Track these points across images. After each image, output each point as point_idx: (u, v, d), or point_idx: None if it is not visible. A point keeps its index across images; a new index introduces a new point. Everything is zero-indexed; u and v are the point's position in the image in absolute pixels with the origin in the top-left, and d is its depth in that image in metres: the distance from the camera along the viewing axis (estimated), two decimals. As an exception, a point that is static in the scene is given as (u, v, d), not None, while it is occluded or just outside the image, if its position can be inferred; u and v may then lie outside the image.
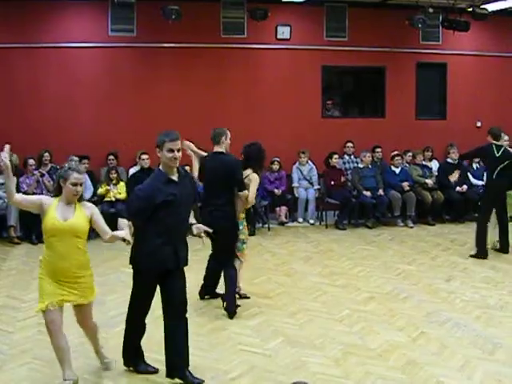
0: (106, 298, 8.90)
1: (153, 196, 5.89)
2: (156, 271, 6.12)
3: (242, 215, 8.56)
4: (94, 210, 6.04)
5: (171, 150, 5.92)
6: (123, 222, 6.11)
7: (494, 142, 11.52)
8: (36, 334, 7.49)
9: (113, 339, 7.29)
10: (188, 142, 8.76)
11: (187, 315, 6.24)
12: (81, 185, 5.89)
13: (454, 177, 14.33)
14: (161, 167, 6.10)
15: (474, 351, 7.00)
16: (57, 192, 5.94)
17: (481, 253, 11.35)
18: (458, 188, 14.45)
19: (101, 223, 6.02)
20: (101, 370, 6.51)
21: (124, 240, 5.86)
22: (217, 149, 8.55)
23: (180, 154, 6.00)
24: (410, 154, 15.28)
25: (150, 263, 6.07)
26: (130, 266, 6.25)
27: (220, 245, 8.34)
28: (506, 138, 12.35)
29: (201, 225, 6.62)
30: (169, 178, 6.01)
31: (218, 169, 8.32)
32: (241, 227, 8.47)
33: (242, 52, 14.95)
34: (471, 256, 11.42)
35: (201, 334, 7.54)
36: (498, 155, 11.42)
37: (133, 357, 6.48)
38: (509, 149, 11.60)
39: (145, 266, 6.12)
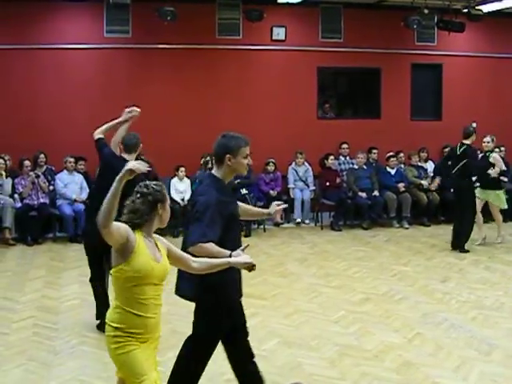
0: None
1: (222, 208, 4.94)
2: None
3: None
4: (164, 240, 4.74)
5: (246, 156, 5.16)
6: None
7: (463, 141, 11.97)
8: (31, 336, 7.49)
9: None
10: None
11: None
12: None
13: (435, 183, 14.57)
14: (216, 174, 5.18)
15: (470, 352, 7.00)
16: (144, 221, 4.45)
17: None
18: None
19: (179, 252, 4.79)
20: None
21: (251, 267, 4.82)
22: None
23: None
24: (402, 154, 15.29)
25: (234, 294, 5.28)
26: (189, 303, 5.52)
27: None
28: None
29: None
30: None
31: None
32: None
33: (238, 53, 14.96)
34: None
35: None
36: (458, 153, 11.89)
37: None
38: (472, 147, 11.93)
39: (230, 298, 5.27)
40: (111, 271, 4.36)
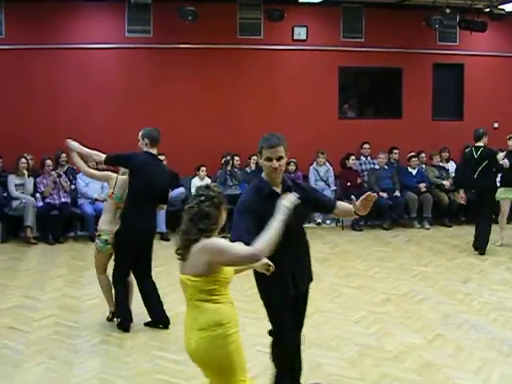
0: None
1: (254, 211, 4.94)
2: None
3: None
4: None
5: (269, 159, 5.05)
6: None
7: (476, 144, 11.88)
8: (52, 334, 7.53)
9: (129, 339, 7.41)
10: (72, 142, 8.29)
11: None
12: None
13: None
14: (263, 175, 5.24)
15: (491, 353, 6.95)
16: (218, 225, 4.49)
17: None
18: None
19: None
20: None
21: (268, 268, 4.72)
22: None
23: (282, 162, 5.10)
24: (423, 155, 15.24)
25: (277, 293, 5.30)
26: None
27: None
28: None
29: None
30: (272, 189, 5.14)
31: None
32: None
33: (259, 53, 14.96)
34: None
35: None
36: (476, 156, 11.75)
37: None
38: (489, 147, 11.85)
39: (273, 297, 5.34)
40: (201, 279, 4.35)
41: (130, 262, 7.85)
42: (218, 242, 4.28)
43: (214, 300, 4.36)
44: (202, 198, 4.35)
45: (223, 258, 4.22)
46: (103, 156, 7.91)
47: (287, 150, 5.14)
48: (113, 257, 7.96)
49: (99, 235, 7.90)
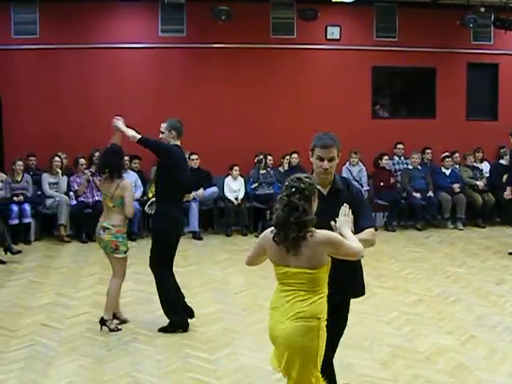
0: (153, 296, 8.98)
1: None
2: None
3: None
4: None
5: (321, 159, 4.95)
6: None
7: None
8: (85, 332, 7.60)
9: (161, 338, 7.48)
10: (119, 123, 8.17)
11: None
12: None
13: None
14: (314, 174, 5.04)
15: (525, 356, 6.89)
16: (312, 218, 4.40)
17: None
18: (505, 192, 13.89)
19: None
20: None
21: None
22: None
23: (333, 163, 4.99)
24: (457, 155, 15.13)
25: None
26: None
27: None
28: None
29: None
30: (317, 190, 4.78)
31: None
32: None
33: (292, 52, 14.93)
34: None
35: (249, 333, 7.56)
36: None
37: None
38: None
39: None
40: (318, 270, 4.36)
41: (173, 260, 7.83)
42: (336, 235, 4.43)
43: (318, 291, 4.39)
44: (293, 189, 4.32)
45: (342, 250, 4.39)
46: (138, 136, 7.74)
47: (340, 151, 5.07)
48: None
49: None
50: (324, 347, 4.44)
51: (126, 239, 7.80)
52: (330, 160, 4.94)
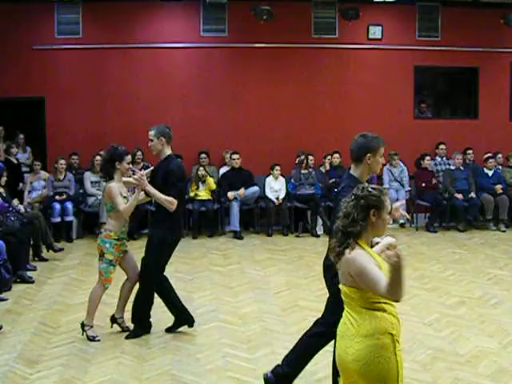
0: (193, 295, 9.03)
1: None
2: None
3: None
4: None
5: (382, 155, 5.51)
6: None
7: None
8: (125, 329, 7.63)
9: (201, 336, 7.46)
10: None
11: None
12: None
13: None
14: (354, 173, 5.41)
15: None
16: (359, 228, 4.12)
17: None
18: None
19: None
20: None
21: None
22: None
23: None
24: (500, 155, 14.96)
25: None
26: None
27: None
28: None
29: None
30: None
31: None
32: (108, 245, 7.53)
33: (334, 52, 14.90)
34: None
35: (289, 333, 7.55)
36: None
37: None
38: None
39: None
40: (349, 289, 4.10)
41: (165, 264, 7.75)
42: (361, 261, 4.00)
43: (376, 307, 4.10)
44: (352, 197, 4.15)
45: (362, 283, 3.99)
46: (168, 198, 7.31)
47: None
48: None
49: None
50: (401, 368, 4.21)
51: (116, 247, 7.54)
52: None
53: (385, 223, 4.16)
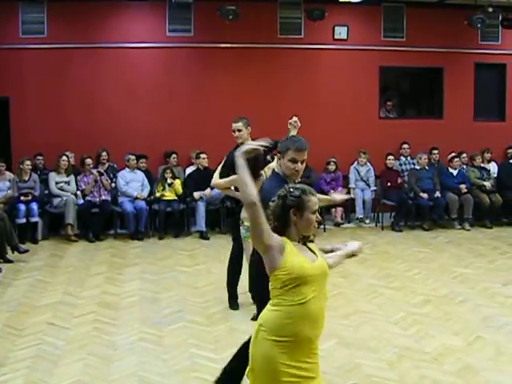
0: (160, 295, 9.00)
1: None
2: None
3: None
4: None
5: (294, 161, 5.27)
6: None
7: None
8: (91, 331, 7.60)
9: (167, 337, 7.44)
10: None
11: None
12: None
13: None
14: (277, 170, 5.48)
15: (532, 357, 6.86)
16: (280, 225, 4.21)
17: None
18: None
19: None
20: None
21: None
22: None
23: (303, 166, 5.36)
24: (464, 155, 15.08)
25: None
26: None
27: None
28: None
29: None
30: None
31: None
32: None
33: (299, 52, 14.92)
34: None
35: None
36: None
37: None
38: None
39: None
40: None
41: None
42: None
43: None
44: (277, 196, 4.26)
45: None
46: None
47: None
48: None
49: (242, 222, 7.84)
50: None
51: None
52: (303, 162, 5.33)
53: (309, 222, 4.24)
